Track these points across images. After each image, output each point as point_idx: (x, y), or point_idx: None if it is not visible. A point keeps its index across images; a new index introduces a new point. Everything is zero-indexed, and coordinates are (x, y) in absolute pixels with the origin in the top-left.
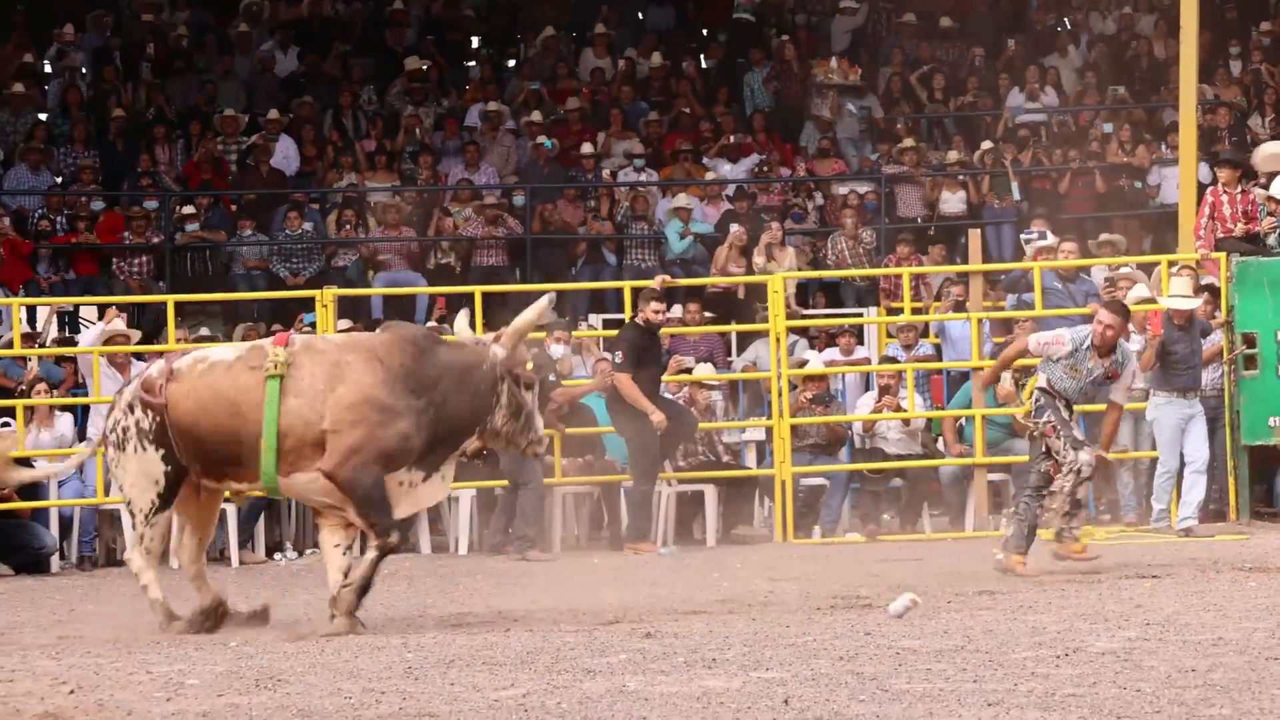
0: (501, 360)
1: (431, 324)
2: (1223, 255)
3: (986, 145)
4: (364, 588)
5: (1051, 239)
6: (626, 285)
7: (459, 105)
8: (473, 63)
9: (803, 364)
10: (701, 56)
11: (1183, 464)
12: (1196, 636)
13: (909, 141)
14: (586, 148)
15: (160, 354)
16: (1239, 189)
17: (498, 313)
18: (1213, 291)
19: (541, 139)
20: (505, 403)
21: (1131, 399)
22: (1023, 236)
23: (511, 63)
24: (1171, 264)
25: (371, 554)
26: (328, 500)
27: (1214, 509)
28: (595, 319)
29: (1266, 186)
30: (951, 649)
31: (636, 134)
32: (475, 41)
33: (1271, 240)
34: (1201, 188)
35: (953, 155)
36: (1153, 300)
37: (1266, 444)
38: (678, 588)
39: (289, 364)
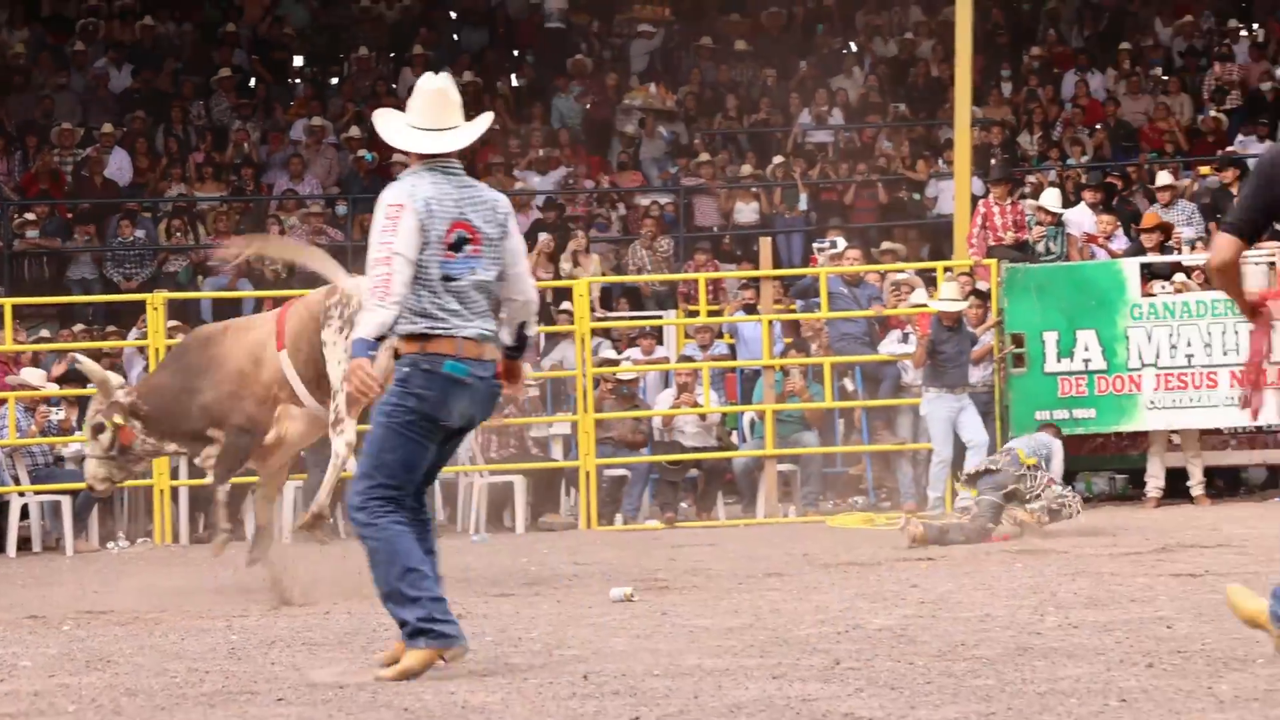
0: None
1: None
2: (994, 262)
3: (778, 160)
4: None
5: (842, 245)
6: None
7: (284, 120)
8: (297, 80)
9: (605, 363)
10: (513, 75)
11: (962, 452)
12: (967, 613)
13: (705, 156)
14: (403, 159)
15: None
16: (1009, 201)
17: None
18: (984, 295)
19: (362, 152)
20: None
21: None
22: (815, 245)
23: (334, 80)
24: (947, 269)
25: None
26: None
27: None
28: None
29: (1036, 197)
30: (741, 627)
31: None
32: (299, 60)
33: (1040, 248)
34: (975, 199)
35: (746, 169)
36: (925, 304)
37: None
38: (488, 572)
39: None
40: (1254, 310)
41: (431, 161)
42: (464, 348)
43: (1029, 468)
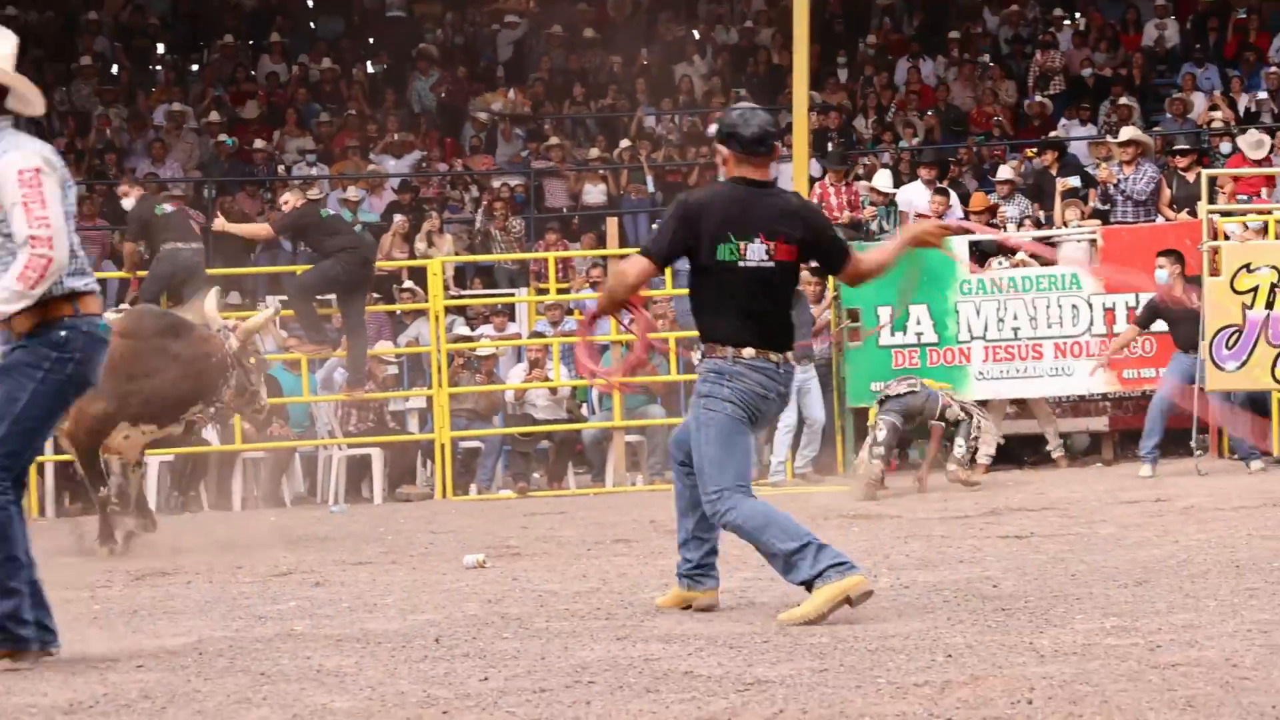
0: (234, 350)
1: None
2: None
3: (624, 143)
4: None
5: None
6: (299, 269)
7: (146, 106)
8: (158, 67)
9: (459, 339)
10: (369, 63)
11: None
12: None
13: (555, 139)
14: (259, 143)
15: None
16: (844, 183)
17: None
18: (820, 272)
19: (222, 137)
20: (234, 384)
21: None
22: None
23: (195, 67)
24: None
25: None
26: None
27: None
28: (272, 300)
29: (870, 179)
30: (588, 591)
31: (310, 133)
32: (161, 48)
33: (873, 226)
34: (812, 181)
35: (594, 152)
36: None
37: (868, 406)
38: (346, 542)
39: None
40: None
41: None
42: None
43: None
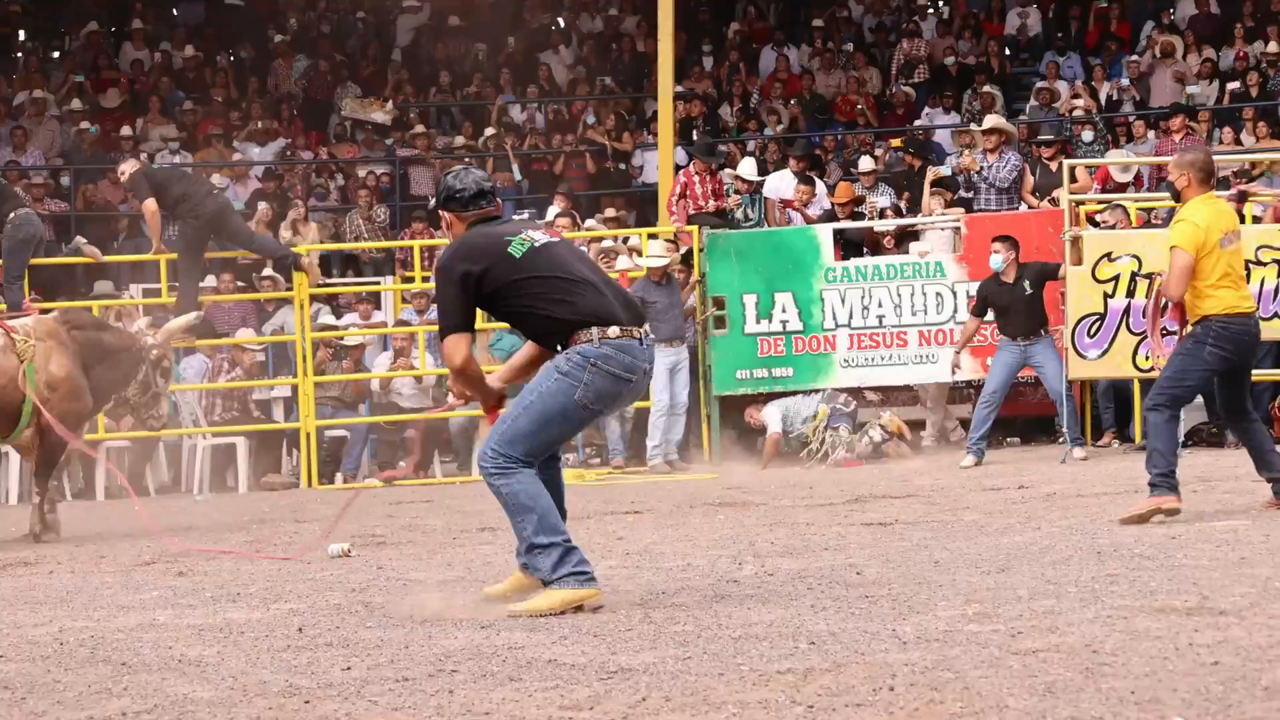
0: (152, 349)
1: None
2: (695, 228)
3: (490, 131)
4: None
5: (553, 213)
6: (163, 258)
7: (7, 92)
8: (19, 54)
9: (324, 328)
10: (231, 51)
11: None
12: (669, 563)
13: (420, 128)
14: (126, 131)
15: None
16: (709, 172)
17: (47, 283)
18: (687, 260)
19: (84, 124)
20: (140, 380)
21: None
22: (514, 217)
23: (56, 54)
24: (651, 235)
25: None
26: None
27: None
28: (135, 289)
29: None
30: (454, 579)
31: (173, 120)
32: (22, 34)
33: (738, 215)
34: (678, 169)
35: (460, 140)
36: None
37: (734, 394)
38: (211, 531)
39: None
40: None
41: None
42: None
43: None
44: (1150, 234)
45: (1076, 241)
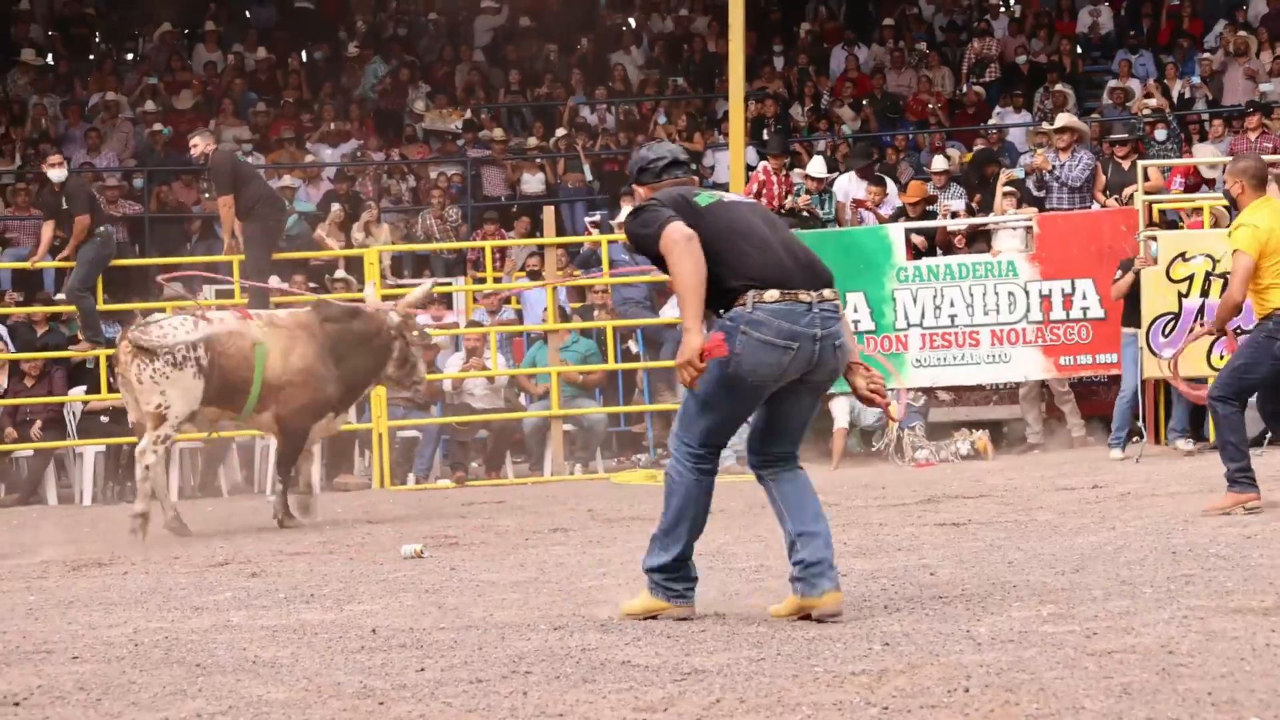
0: (396, 324)
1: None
2: None
3: (561, 132)
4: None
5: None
6: (235, 259)
7: (82, 95)
8: (93, 56)
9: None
10: (304, 52)
11: None
12: (742, 564)
13: (497, 132)
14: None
15: None
16: (783, 172)
17: (120, 283)
18: None
19: (158, 126)
20: (396, 356)
21: None
22: (586, 218)
23: (130, 56)
24: None
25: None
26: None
27: None
28: (209, 290)
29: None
30: (526, 580)
31: (246, 122)
32: (96, 36)
33: (821, 213)
34: (749, 170)
35: (532, 141)
36: None
37: None
38: (283, 532)
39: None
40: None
41: None
42: None
43: None
44: (1223, 233)
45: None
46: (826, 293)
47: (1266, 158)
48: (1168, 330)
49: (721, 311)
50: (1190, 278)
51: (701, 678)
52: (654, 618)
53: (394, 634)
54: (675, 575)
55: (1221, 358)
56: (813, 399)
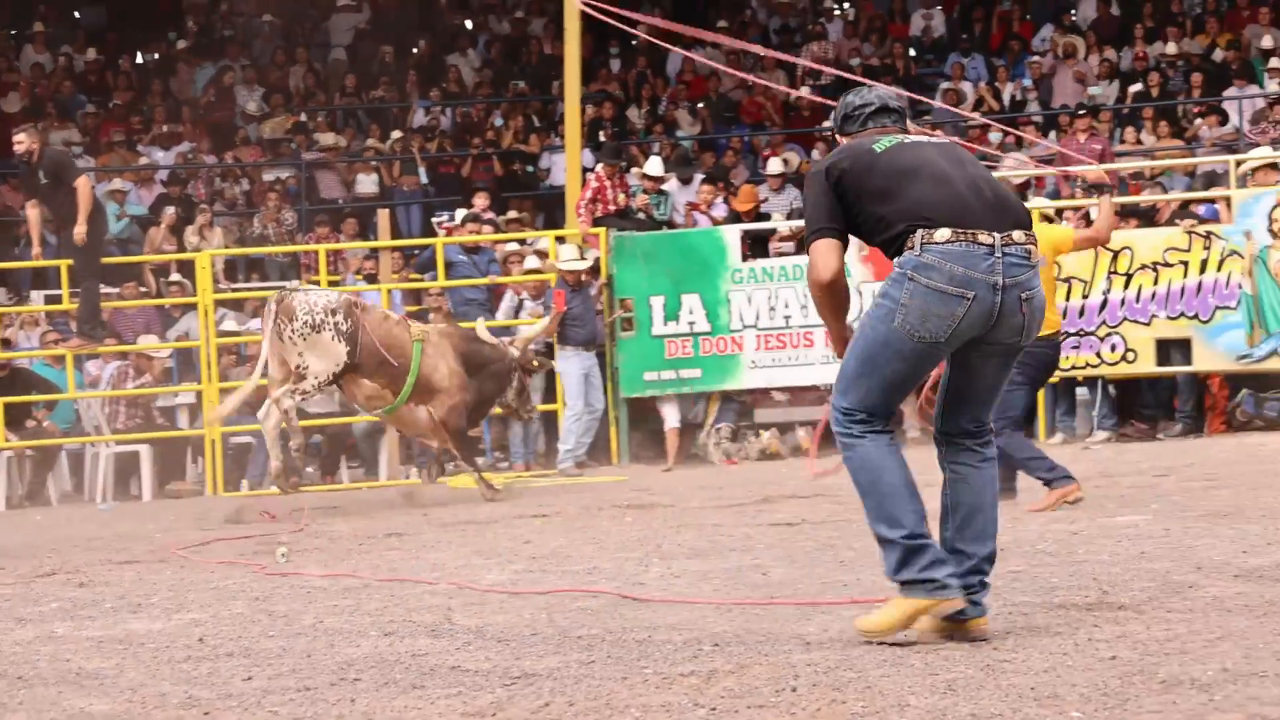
0: (516, 359)
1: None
2: (603, 230)
3: (396, 134)
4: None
5: (461, 216)
6: (63, 264)
7: None
8: None
9: (228, 334)
10: (138, 53)
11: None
12: (576, 567)
13: (331, 137)
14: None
15: None
16: (617, 176)
17: None
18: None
19: None
20: (515, 385)
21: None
22: (434, 220)
23: None
24: (560, 239)
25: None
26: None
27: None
28: (37, 295)
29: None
30: (358, 586)
31: (75, 124)
32: None
33: (657, 214)
34: (585, 171)
35: (369, 142)
36: (540, 271)
37: (643, 396)
38: (114, 540)
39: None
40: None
41: None
42: None
43: None
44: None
45: None
46: (1017, 235)
47: (1103, 167)
48: None
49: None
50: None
51: (531, 681)
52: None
53: (222, 642)
54: (923, 561)
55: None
56: (999, 364)
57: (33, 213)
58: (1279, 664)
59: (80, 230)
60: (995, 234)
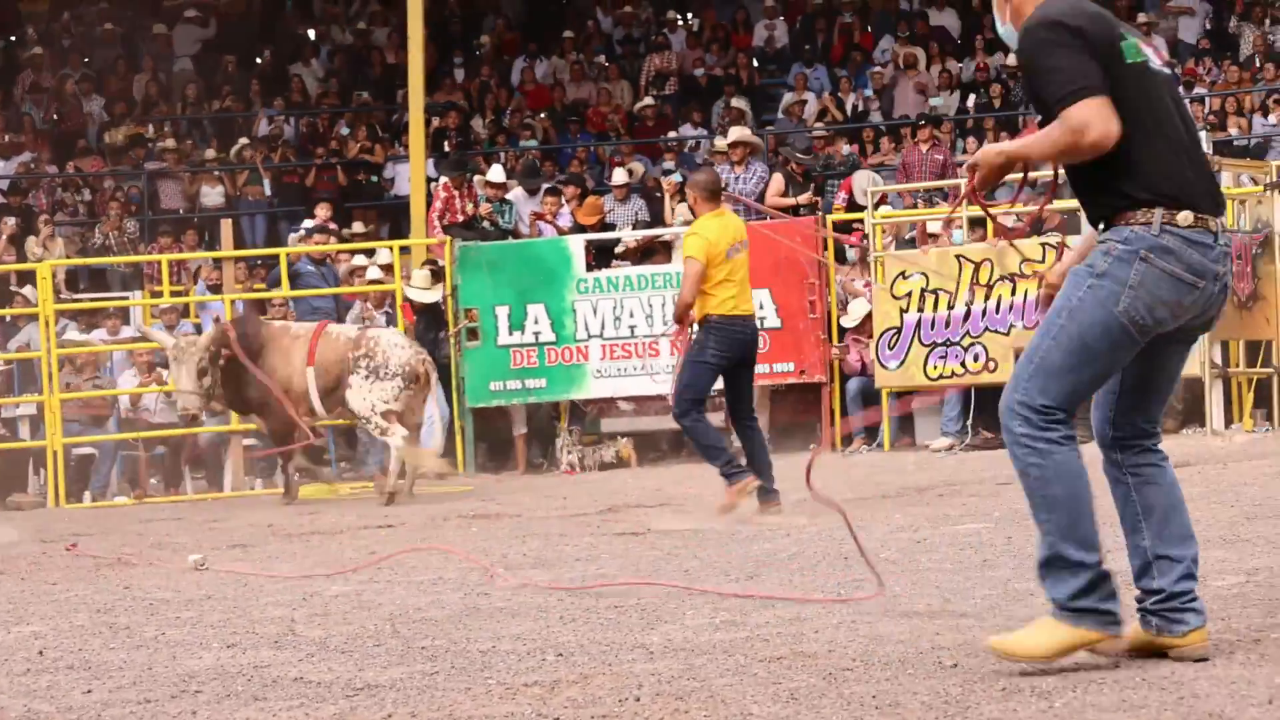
0: None
1: None
2: (448, 240)
3: (243, 141)
4: None
5: (310, 226)
6: None
7: None
8: None
9: (70, 344)
10: None
11: None
12: (421, 577)
13: (170, 143)
14: None
15: None
16: (464, 186)
17: None
18: (437, 273)
19: None
20: None
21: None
22: (296, 231)
23: None
24: (404, 249)
25: None
26: None
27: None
28: None
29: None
30: (200, 598)
31: None
32: None
33: (489, 224)
34: (430, 181)
35: (210, 153)
36: (382, 281)
37: (488, 405)
38: None
39: None
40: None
41: None
42: None
43: None
44: (942, 252)
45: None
46: (1224, 221)
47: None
48: (893, 344)
49: (1103, 225)
50: (910, 294)
51: (374, 693)
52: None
53: (62, 655)
54: (1104, 591)
55: (935, 368)
56: (1184, 352)
57: None
58: (1116, 671)
59: None
60: (1219, 220)
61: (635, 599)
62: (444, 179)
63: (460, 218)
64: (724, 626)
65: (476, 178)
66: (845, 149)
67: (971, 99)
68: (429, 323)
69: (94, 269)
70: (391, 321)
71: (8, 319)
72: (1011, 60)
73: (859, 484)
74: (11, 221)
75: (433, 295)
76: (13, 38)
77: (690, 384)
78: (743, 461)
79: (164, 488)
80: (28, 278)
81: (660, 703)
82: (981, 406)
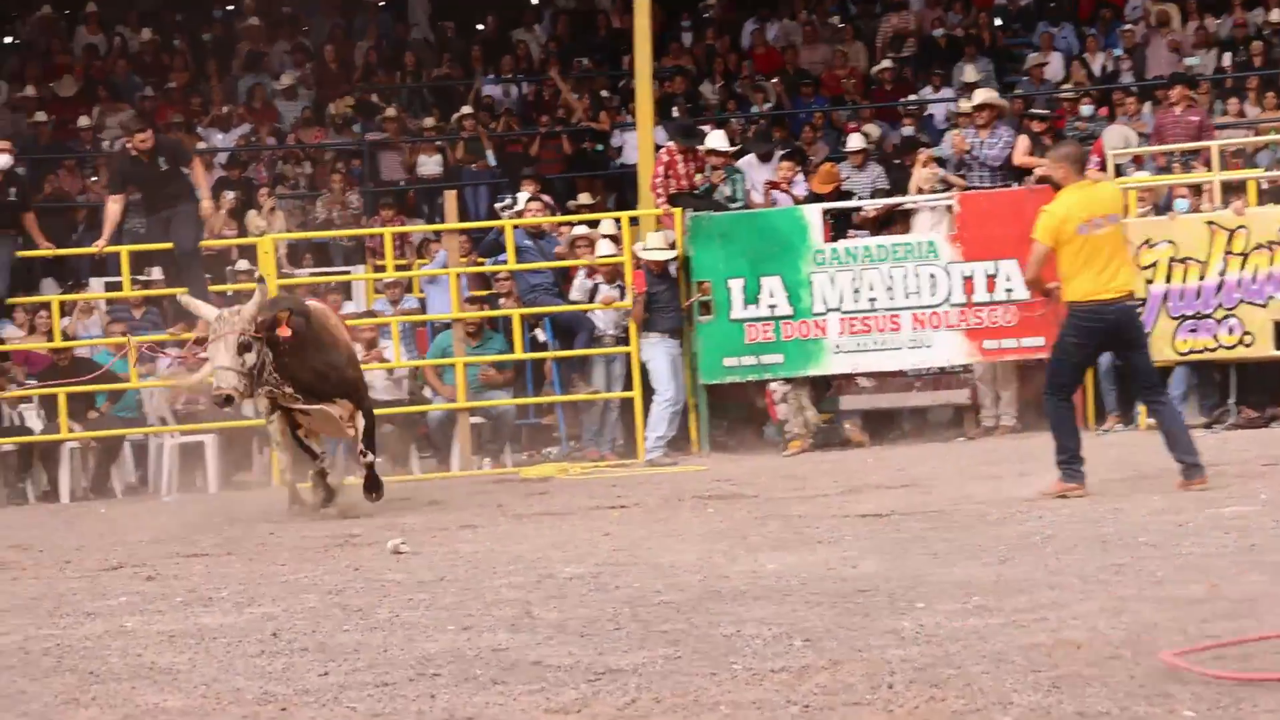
0: None
1: None
2: (679, 210)
3: (465, 110)
4: None
5: (522, 200)
6: (124, 250)
7: None
8: None
9: None
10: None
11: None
12: (658, 560)
13: (391, 111)
14: (83, 120)
15: None
16: (689, 152)
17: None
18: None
19: (40, 114)
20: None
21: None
22: (497, 205)
23: (8, 40)
24: (633, 219)
25: None
26: None
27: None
28: (97, 283)
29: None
30: (433, 580)
31: (131, 106)
32: None
33: (725, 190)
34: (658, 149)
35: (429, 122)
36: (617, 255)
37: (722, 382)
38: (180, 533)
39: None
40: None
41: None
42: None
43: None
44: (1185, 220)
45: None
46: None
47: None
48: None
49: None
50: (1154, 264)
51: (616, 677)
52: None
53: (296, 637)
54: None
55: (1185, 342)
56: None
57: (114, 207)
58: None
59: (209, 202)
60: None
61: (883, 583)
62: (668, 145)
63: (685, 183)
64: (978, 612)
65: (704, 147)
66: (1086, 110)
67: (1229, 57)
68: (670, 288)
69: (315, 243)
70: (623, 295)
71: (229, 294)
72: (1275, 16)
73: (1115, 464)
74: (231, 195)
75: (669, 254)
76: (230, 7)
77: (1052, 369)
78: (1083, 468)
79: (391, 467)
80: (248, 252)
81: (915, 690)
82: (1242, 383)
